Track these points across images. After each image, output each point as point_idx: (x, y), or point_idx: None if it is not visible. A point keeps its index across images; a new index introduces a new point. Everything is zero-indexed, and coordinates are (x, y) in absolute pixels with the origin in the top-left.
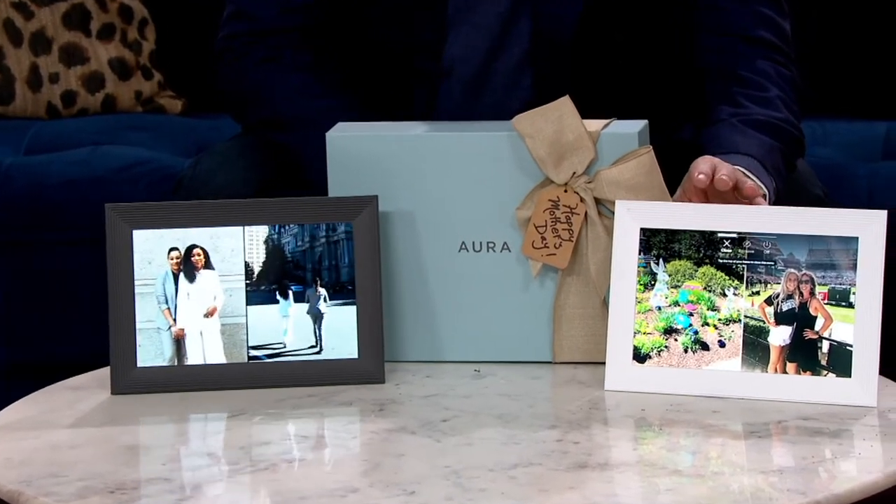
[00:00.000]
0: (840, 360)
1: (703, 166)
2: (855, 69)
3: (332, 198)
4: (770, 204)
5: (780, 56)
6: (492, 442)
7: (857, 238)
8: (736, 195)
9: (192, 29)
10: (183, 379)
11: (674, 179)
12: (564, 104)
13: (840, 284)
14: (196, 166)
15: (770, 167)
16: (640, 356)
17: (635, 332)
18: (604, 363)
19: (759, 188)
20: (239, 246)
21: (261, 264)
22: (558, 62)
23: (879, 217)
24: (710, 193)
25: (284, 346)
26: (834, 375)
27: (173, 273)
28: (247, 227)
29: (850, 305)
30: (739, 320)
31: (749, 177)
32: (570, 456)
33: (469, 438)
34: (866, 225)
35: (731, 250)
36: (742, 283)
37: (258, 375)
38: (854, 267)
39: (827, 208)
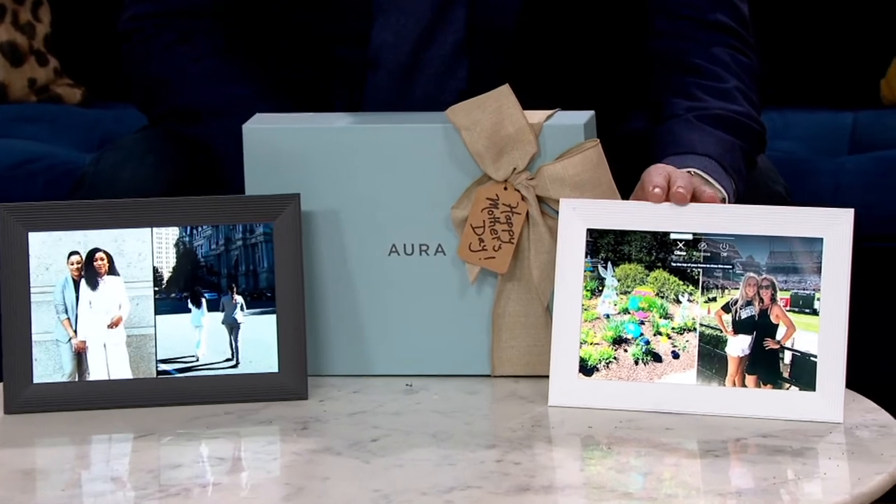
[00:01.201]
0: (803, 372)
1: (657, 178)
2: (817, 54)
3: (249, 196)
4: None
5: (737, 42)
6: (425, 463)
7: (821, 239)
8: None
9: (92, 9)
10: (84, 396)
11: (623, 175)
12: (504, 94)
13: (803, 290)
14: (98, 162)
15: (729, 167)
16: (586, 369)
17: (581, 343)
18: (547, 376)
19: (718, 194)
20: (147, 249)
21: (171, 270)
22: (496, 49)
23: (846, 216)
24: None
25: (197, 360)
26: (797, 389)
27: (73, 279)
28: (155, 229)
29: (815, 312)
30: (694, 329)
31: (707, 180)
32: (511, 478)
33: (400, 459)
34: (832, 224)
35: (685, 253)
36: (697, 288)
37: (168, 392)
38: (818, 270)
39: (789, 207)
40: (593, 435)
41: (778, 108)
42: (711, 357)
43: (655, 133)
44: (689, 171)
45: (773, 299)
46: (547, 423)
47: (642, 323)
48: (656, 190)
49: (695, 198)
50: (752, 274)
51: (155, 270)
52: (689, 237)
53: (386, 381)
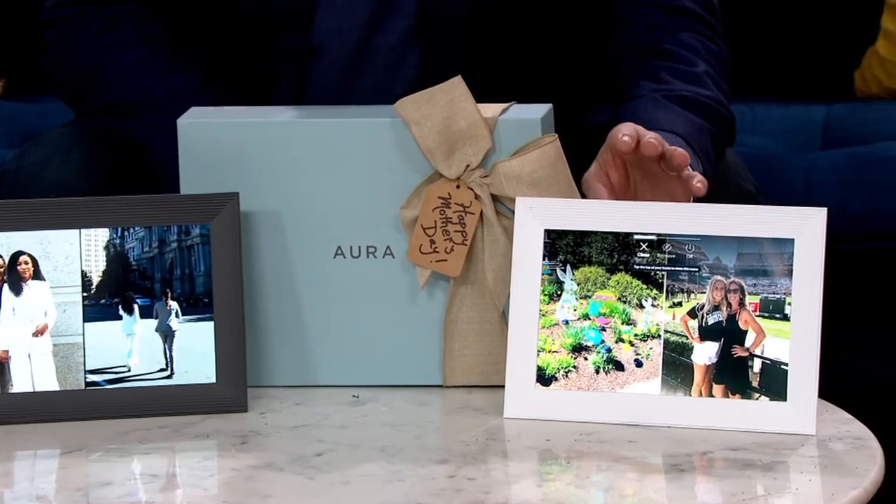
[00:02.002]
0: (774, 381)
1: (626, 129)
2: (788, 44)
3: (184, 195)
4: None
5: (706, 28)
6: (373, 479)
7: (792, 240)
8: (663, 166)
9: None
10: (7, 409)
11: (583, 172)
12: (456, 86)
13: (773, 294)
14: (21, 159)
15: (698, 149)
16: (544, 378)
17: (539, 351)
18: (502, 386)
19: (690, 155)
20: (74, 252)
21: (100, 274)
22: (449, 37)
23: (818, 215)
24: (633, 164)
25: (129, 370)
26: (767, 399)
27: None
28: (84, 231)
29: (786, 318)
30: (658, 336)
31: None
32: (465, 494)
33: (346, 476)
34: (803, 225)
35: (648, 255)
36: (661, 292)
37: (98, 404)
38: (789, 273)
39: (758, 206)
40: (551, 448)
41: (747, 101)
42: (677, 365)
43: (618, 113)
44: None
45: (742, 304)
46: (502, 436)
47: (603, 329)
48: (625, 138)
49: (664, 157)
50: (719, 277)
51: (83, 275)
52: (653, 238)
53: (331, 391)
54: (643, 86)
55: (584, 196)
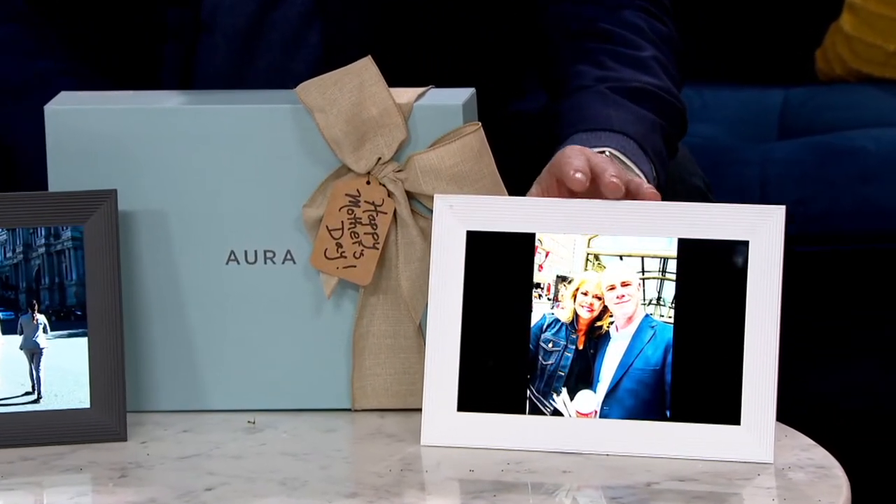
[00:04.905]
0: (727, 403)
1: (578, 162)
2: (741, 21)
3: (53, 193)
4: None
5: (651, 5)
6: None
7: (747, 242)
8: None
9: None
10: None
11: (510, 166)
12: (366, 68)
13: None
14: None
15: (651, 151)
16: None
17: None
18: (419, 410)
19: (658, 191)
20: None
21: None
22: (356, 12)
23: (776, 214)
24: (582, 194)
25: None
26: (719, 422)
27: None
28: None
29: None
30: None
31: (625, 163)
32: None
33: None
34: (759, 225)
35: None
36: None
37: None
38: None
39: (709, 203)
40: (476, 479)
41: (694, 85)
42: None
43: (560, 107)
44: (603, 152)
45: None
46: (420, 465)
47: None
48: (578, 175)
49: (630, 194)
50: None
51: None
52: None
53: (224, 417)
54: (585, 73)
55: None
